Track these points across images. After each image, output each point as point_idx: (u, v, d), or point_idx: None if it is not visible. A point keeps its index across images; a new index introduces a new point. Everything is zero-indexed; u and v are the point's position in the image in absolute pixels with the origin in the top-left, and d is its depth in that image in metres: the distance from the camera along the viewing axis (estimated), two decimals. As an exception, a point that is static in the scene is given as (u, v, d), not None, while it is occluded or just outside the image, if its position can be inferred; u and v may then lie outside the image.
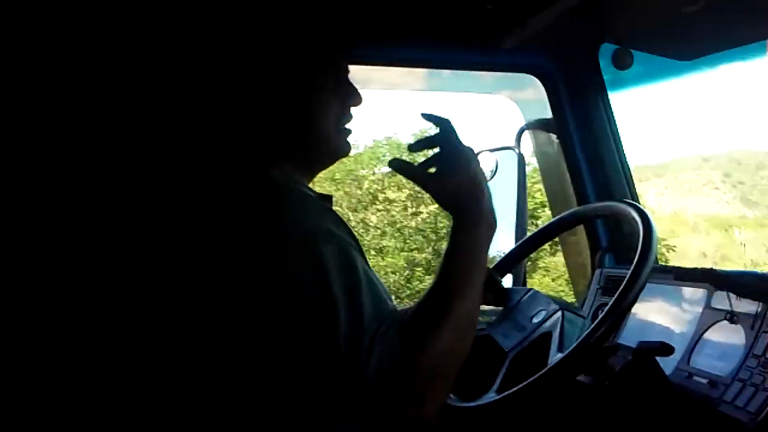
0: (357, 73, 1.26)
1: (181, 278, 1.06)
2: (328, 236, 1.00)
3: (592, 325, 1.22)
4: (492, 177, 2.11)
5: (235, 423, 1.01)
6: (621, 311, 1.23)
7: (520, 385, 1.26)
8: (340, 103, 1.21)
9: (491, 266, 1.61)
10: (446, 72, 2.07)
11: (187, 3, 1.40)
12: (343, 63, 1.23)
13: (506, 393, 1.28)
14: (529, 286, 1.64)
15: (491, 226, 1.10)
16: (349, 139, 1.24)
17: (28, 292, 1.21)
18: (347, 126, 1.23)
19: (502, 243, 2.07)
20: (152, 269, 1.11)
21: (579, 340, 1.24)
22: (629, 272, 1.25)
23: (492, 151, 2.12)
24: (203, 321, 1.02)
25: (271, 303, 0.98)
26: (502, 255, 2.06)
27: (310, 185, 1.20)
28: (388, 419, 0.97)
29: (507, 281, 1.82)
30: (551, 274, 11.44)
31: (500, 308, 1.53)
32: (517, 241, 1.95)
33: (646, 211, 1.34)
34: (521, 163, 2.04)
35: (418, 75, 2.11)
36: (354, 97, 1.23)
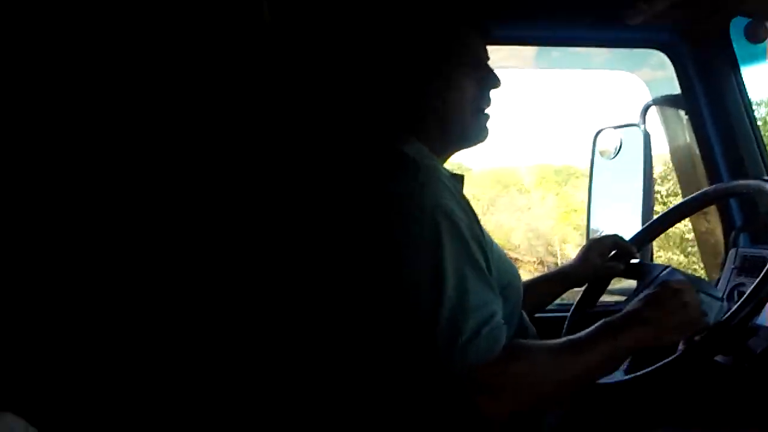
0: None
1: (305, 241, 1.14)
2: (449, 213, 1.03)
3: (736, 305, 1.21)
4: (616, 155, 2.09)
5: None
6: (765, 292, 1.21)
7: (658, 365, 1.26)
8: (476, 85, 1.22)
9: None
10: (556, 50, 2.06)
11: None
12: (479, 45, 1.25)
13: (639, 373, 1.29)
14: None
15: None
16: (489, 125, 1.25)
17: (62, 283, 1.25)
18: (486, 111, 1.25)
19: (628, 224, 2.05)
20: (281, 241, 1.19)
21: (720, 320, 1.23)
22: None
23: (616, 128, 2.10)
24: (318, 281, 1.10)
25: (382, 267, 1.04)
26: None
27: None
28: (457, 409, 1.01)
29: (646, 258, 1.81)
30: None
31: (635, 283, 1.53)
32: (644, 222, 1.93)
33: None
34: (647, 140, 1.99)
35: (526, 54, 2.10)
36: (492, 80, 1.24)
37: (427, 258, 1.01)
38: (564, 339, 1.10)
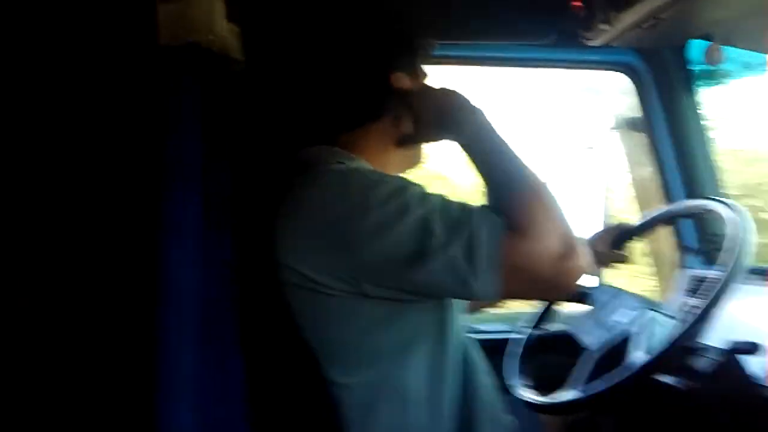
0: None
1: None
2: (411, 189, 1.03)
3: (684, 327, 1.21)
4: (580, 174, 2.10)
5: None
6: (713, 313, 1.22)
7: (607, 385, 1.26)
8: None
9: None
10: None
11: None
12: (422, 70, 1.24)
13: (593, 392, 1.29)
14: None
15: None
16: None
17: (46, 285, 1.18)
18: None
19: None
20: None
21: (671, 341, 1.23)
22: (726, 273, 1.24)
23: (579, 147, 2.11)
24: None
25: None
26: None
27: None
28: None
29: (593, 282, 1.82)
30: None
31: (584, 307, 1.54)
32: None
33: (742, 208, 1.32)
34: (606, 161, 2.02)
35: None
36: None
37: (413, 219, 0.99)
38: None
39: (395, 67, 1.18)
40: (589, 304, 1.51)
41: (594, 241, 1.58)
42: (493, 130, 1.09)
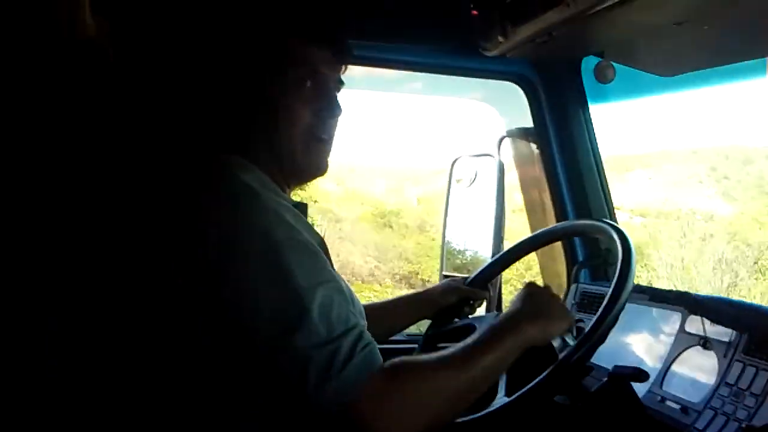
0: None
1: (136, 272, 1.03)
2: (296, 247, 0.97)
3: (574, 345, 1.21)
4: (471, 184, 2.10)
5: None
6: (602, 333, 1.21)
7: (496, 406, 1.25)
8: (312, 113, 1.12)
9: (468, 280, 1.61)
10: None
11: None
12: (324, 68, 1.14)
13: (482, 413, 1.27)
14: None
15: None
16: (328, 156, 1.17)
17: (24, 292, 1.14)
18: (324, 139, 1.15)
19: (481, 250, 2.06)
20: (105, 264, 1.08)
21: (558, 360, 1.22)
22: (608, 294, 1.23)
23: (472, 156, 2.11)
24: (156, 315, 1.00)
25: (234, 305, 0.95)
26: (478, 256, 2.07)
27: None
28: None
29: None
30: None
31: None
32: (494, 249, 1.94)
33: (625, 232, 1.33)
34: (501, 170, 2.01)
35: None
36: (332, 109, 1.14)
37: (282, 283, 0.93)
38: (448, 350, 1.04)
39: (271, 72, 1.11)
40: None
41: (446, 288, 1.59)
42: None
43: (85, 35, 1.11)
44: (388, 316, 1.53)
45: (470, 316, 1.62)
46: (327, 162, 1.17)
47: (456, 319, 1.58)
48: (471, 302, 1.60)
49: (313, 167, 1.16)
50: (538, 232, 1.62)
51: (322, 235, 1.08)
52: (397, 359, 0.99)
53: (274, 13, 1.14)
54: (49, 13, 1.09)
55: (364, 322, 1.03)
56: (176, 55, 1.16)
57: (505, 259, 1.68)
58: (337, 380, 0.90)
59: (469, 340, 1.06)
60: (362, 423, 0.91)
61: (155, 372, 1.02)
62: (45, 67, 1.14)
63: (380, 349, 1.18)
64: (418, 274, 13.29)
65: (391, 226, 16.42)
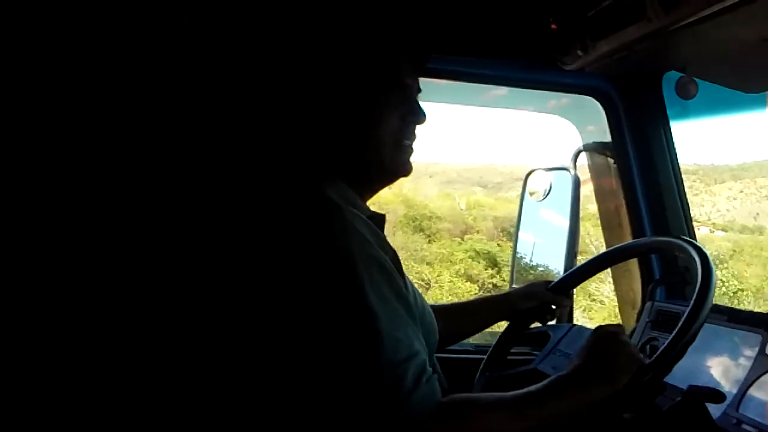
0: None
1: (222, 285, 1.06)
2: (370, 265, 1.00)
3: (648, 363, 1.19)
4: (545, 197, 2.09)
5: None
6: (677, 353, 1.19)
7: (567, 420, 1.24)
8: (400, 119, 1.19)
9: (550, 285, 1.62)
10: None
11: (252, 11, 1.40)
12: (409, 78, 1.21)
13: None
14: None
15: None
16: (411, 158, 1.21)
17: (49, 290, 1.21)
18: (409, 144, 1.21)
19: (553, 264, 2.06)
20: (195, 275, 1.11)
21: (631, 376, 1.21)
22: (686, 312, 1.21)
23: (547, 170, 2.11)
24: (241, 330, 1.02)
25: (307, 319, 0.98)
26: (550, 270, 2.06)
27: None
28: None
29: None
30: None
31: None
32: (567, 264, 1.94)
33: (705, 250, 1.31)
34: (576, 185, 2.01)
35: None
36: (417, 115, 1.21)
37: (355, 307, 0.96)
38: (512, 394, 1.06)
39: (364, 84, 1.16)
40: (547, 344, 1.51)
41: (532, 294, 1.59)
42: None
43: (181, 35, 1.17)
44: (468, 316, 1.56)
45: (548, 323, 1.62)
46: (411, 164, 1.22)
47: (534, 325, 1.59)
48: (551, 308, 1.60)
49: (400, 170, 1.21)
50: (616, 247, 1.61)
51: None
52: (457, 396, 1.02)
53: (372, 34, 1.21)
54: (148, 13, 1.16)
55: (425, 350, 1.04)
56: (272, 66, 1.21)
57: (577, 275, 1.67)
58: (401, 407, 0.93)
59: (533, 387, 1.07)
60: None
61: (218, 379, 1.05)
62: (142, 65, 1.22)
63: (449, 359, 1.21)
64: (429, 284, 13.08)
65: (422, 230, 16.39)
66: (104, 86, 1.23)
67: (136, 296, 1.18)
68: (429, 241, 16.31)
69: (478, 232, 17.09)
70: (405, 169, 1.21)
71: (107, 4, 1.21)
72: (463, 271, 14.81)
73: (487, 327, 1.66)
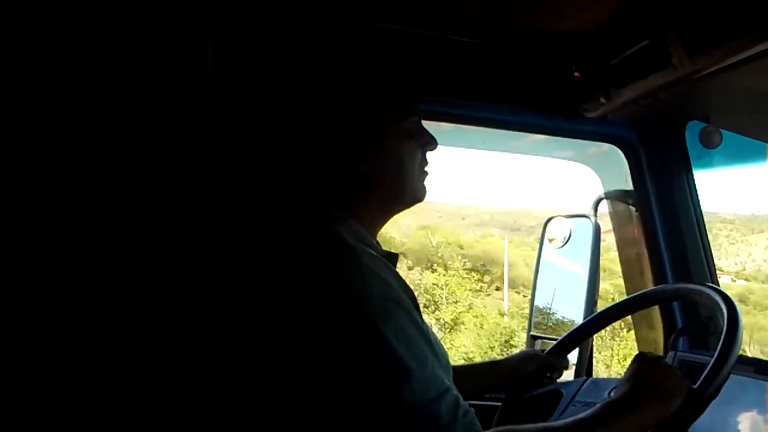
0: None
1: (236, 333, 1.04)
2: (391, 307, 0.98)
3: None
4: (565, 244, 2.08)
5: None
6: (701, 403, 1.16)
7: None
8: (418, 148, 1.21)
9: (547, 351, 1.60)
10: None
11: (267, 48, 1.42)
12: (417, 110, 1.23)
13: None
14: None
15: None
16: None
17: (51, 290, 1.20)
18: (426, 170, 1.23)
19: (571, 313, 2.03)
20: (210, 322, 1.10)
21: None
22: (712, 361, 1.18)
23: (567, 217, 2.10)
24: (260, 386, 1.00)
25: (330, 370, 0.95)
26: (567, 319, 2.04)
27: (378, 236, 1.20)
28: None
29: (572, 356, 1.79)
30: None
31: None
32: (586, 313, 1.91)
33: (731, 297, 1.29)
34: (596, 232, 2.00)
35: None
36: (430, 143, 1.23)
37: (381, 349, 0.94)
38: (560, 422, 1.06)
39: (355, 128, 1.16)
40: (561, 399, 1.48)
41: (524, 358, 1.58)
42: None
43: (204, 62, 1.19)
44: (467, 381, 1.51)
45: (558, 381, 1.59)
46: (426, 188, 1.24)
47: (536, 390, 1.55)
48: (549, 373, 1.57)
49: (419, 196, 1.23)
50: (635, 294, 1.59)
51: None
52: (501, 427, 1.00)
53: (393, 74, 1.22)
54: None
55: (455, 388, 1.01)
56: (294, 117, 1.21)
57: (595, 323, 1.64)
58: None
59: (581, 414, 1.05)
60: None
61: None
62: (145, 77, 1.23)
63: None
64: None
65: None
66: (129, 109, 1.25)
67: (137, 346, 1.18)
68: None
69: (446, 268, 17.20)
70: (424, 194, 1.23)
71: (130, 28, 1.23)
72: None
73: (488, 393, 1.67)
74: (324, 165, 1.15)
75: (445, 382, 0.96)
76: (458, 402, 0.95)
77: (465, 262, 17.37)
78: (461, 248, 19.31)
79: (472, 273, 16.95)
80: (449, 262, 17.29)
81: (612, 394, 1.18)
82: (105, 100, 1.20)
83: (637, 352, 1.23)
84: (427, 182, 1.24)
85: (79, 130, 1.20)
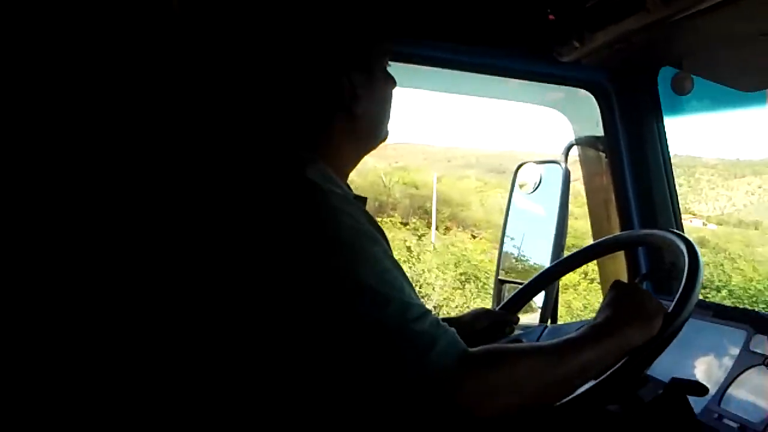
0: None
1: (211, 276, 1.04)
2: (364, 241, 0.99)
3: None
4: (535, 190, 2.09)
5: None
6: (661, 344, 1.19)
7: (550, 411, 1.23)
8: (387, 88, 1.22)
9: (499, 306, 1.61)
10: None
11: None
12: (389, 50, 1.24)
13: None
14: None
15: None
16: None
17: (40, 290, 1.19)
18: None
19: (539, 257, 2.05)
20: (179, 268, 1.09)
21: (613, 368, 1.21)
22: (672, 305, 1.21)
23: (537, 163, 2.10)
24: (238, 326, 1.00)
25: (306, 304, 0.95)
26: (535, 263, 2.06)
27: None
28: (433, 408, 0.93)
29: (538, 299, 1.81)
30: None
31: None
32: (553, 257, 1.93)
33: (694, 244, 1.31)
34: (566, 178, 2.00)
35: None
36: (395, 83, 1.24)
37: (358, 280, 0.94)
38: (550, 342, 1.05)
39: (349, 68, 1.14)
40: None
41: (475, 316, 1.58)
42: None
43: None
44: None
45: (517, 331, 1.61)
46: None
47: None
48: (504, 326, 1.58)
49: (387, 136, 1.24)
50: (600, 240, 1.60)
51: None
52: (492, 345, 1.00)
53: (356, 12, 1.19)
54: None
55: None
56: (264, 51, 1.18)
57: (562, 267, 1.65)
58: (435, 353, 0.91)
59: (568, 336, 1.07)
60: (456, 398, 0.91)
61: (218, 376, 1.03)
62: (128, 54, 1.20)
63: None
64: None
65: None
66: (87, 73, 1.21)
67: (126, 289, 1.16)
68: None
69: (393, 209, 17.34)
70: (387, 134, 1.24)
71: None
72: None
73: None
74: (309, 109, 1.14)
75: (425, 306, 0.97)
76: (439, 321, 0.96)
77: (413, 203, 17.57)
78: (416, 188, 19.33)
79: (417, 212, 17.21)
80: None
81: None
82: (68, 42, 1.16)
83: (614, 280, 1.25)
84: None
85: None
